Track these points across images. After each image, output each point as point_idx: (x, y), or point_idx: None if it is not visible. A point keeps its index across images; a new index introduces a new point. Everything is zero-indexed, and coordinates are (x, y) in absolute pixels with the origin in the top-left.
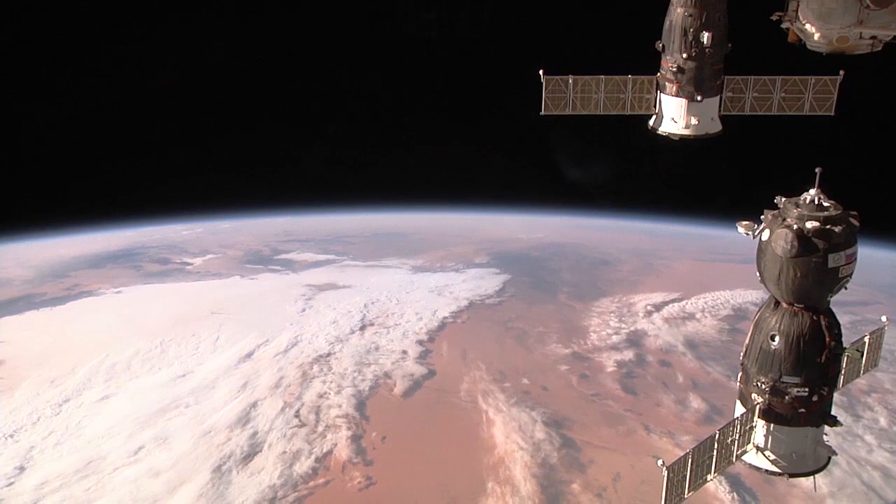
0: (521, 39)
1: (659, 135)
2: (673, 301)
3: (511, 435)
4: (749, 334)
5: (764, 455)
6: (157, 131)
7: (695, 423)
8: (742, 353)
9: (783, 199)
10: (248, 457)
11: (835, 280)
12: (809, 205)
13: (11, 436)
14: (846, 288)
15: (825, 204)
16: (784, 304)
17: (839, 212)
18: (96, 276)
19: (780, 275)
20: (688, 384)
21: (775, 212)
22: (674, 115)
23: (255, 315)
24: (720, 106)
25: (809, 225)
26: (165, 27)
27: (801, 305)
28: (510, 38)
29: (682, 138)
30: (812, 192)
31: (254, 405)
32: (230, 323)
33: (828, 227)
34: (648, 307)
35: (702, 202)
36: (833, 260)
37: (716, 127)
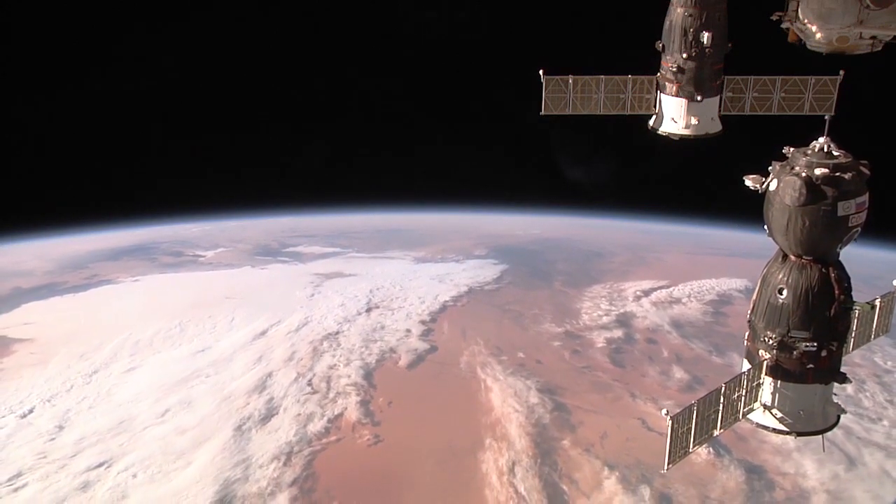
0: (521, 39)
1: (659, 135)
2: (661, 287)
3: (507, 399)
4: (756, 289)
5: (771, 413)
6: (158, 131)
7: (677, 391)
8: (749, 311)
9: (791, 149)
10: (266, 418)
11: (844, 229)
12: (818, 153)
13: (49, 400)
14: (856, 240)
15: (835, 152)
16: (792, 257)
17: (849, 160)
18: (113, 268)
19: (787, 225)
20: (672, 358)
21: (783, 162)
22: (674, 115)
23: (267, 299)
24: (720, 106)
25: (818, 172)
26: (168, 26)
27: (809, 257)
28: (510, 38)
29: (682, 138)
30: (821, 140)
31: (269, 375)
32: (244, 306)
33: (837, 174)
34: (637, 293)
35: (700, 202)
36: (843, 208)
37: (716, 127)
